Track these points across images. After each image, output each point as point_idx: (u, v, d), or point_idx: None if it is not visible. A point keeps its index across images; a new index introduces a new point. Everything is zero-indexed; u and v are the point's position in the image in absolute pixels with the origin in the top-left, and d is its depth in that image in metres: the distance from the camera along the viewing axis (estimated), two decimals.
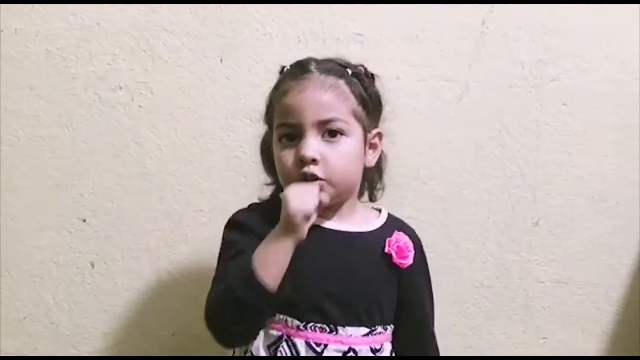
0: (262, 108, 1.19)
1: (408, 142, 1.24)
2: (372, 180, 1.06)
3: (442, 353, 1.03)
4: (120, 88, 1.21)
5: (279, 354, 0.92)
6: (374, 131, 0.99)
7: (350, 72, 0.97)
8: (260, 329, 0.93)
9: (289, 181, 0.93)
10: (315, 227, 0.95)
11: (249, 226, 0.96)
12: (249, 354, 0.96)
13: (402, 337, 0.99)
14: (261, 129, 1.20)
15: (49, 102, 1.21)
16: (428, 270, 1.04)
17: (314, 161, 0.91)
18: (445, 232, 1.27)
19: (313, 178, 0.91)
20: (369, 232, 0.98)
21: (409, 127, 1.24)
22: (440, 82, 1.25)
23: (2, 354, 1.26)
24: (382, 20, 1.22)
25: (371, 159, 1.00)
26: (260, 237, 0.92)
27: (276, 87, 0.98)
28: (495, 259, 1.29)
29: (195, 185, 1.24)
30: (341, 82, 0.95)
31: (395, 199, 1.24)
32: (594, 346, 1.32)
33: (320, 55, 1.12)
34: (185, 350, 1.27)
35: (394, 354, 0.98)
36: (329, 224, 0.97)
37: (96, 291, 1.25)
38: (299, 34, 1.22)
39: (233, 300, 0.87)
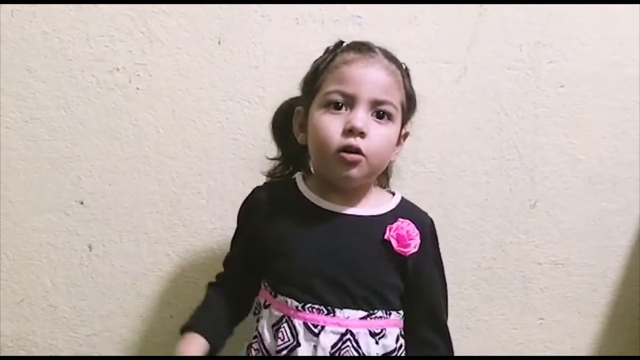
0: (259, 91, 1.22)
1: (410, 132, 1.24)
2: (386, 173, 1.08)
3: None
4: (118, 70, 1.21)
5: (280, 334, 0.93)
6: (405, 129, 1.01)
7: (404, 67, 0.99)
8: None
9: (328, 149, 0.92)
10: (320, 210, 0.97)
11: (243, 224, 1.04)
12: (256, 333, 0.98)
13: (410, 326, 0.99)
14: (257, 112, 1.22)
15: (46, 84, 1.20)
16: (439, 259, 1.03)
17: (361, 134, 0.90)
18: (444, 214, 1.27)
19: (356, 151, 0.91)
20: (375, 216, 0.98)
21: (413, 116, 1.24)
22: (438, 64, 1.24)
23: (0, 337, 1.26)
24: (380, 2, 1.22)
25: (395, 154, 1.01)
26: (254, 231, 1.00)
27: (333, 56, 0.96)
28: (493, 240, 1.29)
29: (193, 167, 1.23)
30: (399, 72, 0.96)
31: (394, 180, 1.23)
32: (590, 327, 1.33)
33: (319, 35, 1.13)
34: None
35: (401, 340, 0.97)
36: (335, 207, 0.97)
37: (94, 274, 1.25)
38: (297, 15, 1.21)
39: None
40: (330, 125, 0.92)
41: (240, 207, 1.05)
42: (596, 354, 1.34)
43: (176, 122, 1.22)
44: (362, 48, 0.95)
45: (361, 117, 0.91)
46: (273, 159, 1.09)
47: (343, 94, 0.92)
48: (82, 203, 1.23)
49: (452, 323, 1.27)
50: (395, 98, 0.94)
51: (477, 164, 1.27)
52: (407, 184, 1.26)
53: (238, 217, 1.05)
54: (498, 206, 1.28)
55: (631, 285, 1.32)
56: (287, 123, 1.03)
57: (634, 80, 1.27)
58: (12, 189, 1.22)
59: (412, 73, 1.21)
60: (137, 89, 1.21)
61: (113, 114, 1.22)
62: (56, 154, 1.22)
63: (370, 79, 0.92)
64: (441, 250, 1.04)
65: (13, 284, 1.25)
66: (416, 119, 1.23)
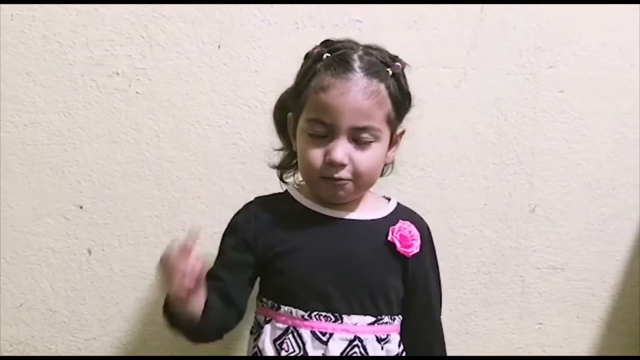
0: (259, 95, 1.22)
1: (406, 129, 1.24)
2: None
3: None
4: (118, 74, 1.21)
5: (284, 347, 0.92)
6: (399, 130, 1.00)
7: (391, 72, 0.95)
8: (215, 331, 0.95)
9: (313, 176, 0.94)
10: (320, 216, 0.97)
11: (242, 232, 0.98)
12: (256, 350, 0.97)
13: (407, 325, 1.00)
14: (257, 117, 1.22)
15: (45, 88, 1.20)
16: (436, 261, 1.04)
17: (342, 165, 0.91)
18: (443, 218, 1.27)
19: (339, 180, 0.92)
20: (375, 220, 0.99)
21: (407, 114, 1.24)
22: (438, 69, 1.24)
23: None
24: (380, 7, 1.22)
25: (391, 155, 1.02)
26: (254, 240, 0.96)
27: (313, 73, 0.94)
28: (492, 245, 1.29)
29: (192, 172, 1.23)
30: (382, 86, 0.93)
31: (393, 185, 1.24)
32: (589, 332, 1.33)
33: (319, 40, 1.10)
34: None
35: (401, 345, 0.98)
36: (334, 213, 0.98)
37: (93, 278, 1.25)
38: (297, 20, 1.22)
39: None
40: (313, 153, 0.93)
41: (235, 219, 1.01)
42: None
43: (176, 126, 1.22)
44: (339, 68, 0.91)
45: (340, 148, 0.91)
46: (279, 149, 1.08)
47: (322, 123, 0.92)
48: (81, 207, 1.23)
49: (451, 327, 1.29)
50: (377, 119, 0.92)
51: (477, 168, 1.27)
52: (406, 189, 1.26)
53: (232, 229, 1.00)
54: (497, 211, 1.29)
55: (630, 290, 1.32)
56: (285, 116, 1.02)
57: (632, 85, 1.27)
58: (11, 193, 1.22)
59: (412, 78, 1.22)
60: (137, 93, 1.21)
61: (113, 118, 1.21)
62: (56, 158, 1.22)
63: (347, 107, 0.90)
64: (440, 255, 1.05)
65: (12, 288, 1.24)
66: (416, 123, 1.24)
